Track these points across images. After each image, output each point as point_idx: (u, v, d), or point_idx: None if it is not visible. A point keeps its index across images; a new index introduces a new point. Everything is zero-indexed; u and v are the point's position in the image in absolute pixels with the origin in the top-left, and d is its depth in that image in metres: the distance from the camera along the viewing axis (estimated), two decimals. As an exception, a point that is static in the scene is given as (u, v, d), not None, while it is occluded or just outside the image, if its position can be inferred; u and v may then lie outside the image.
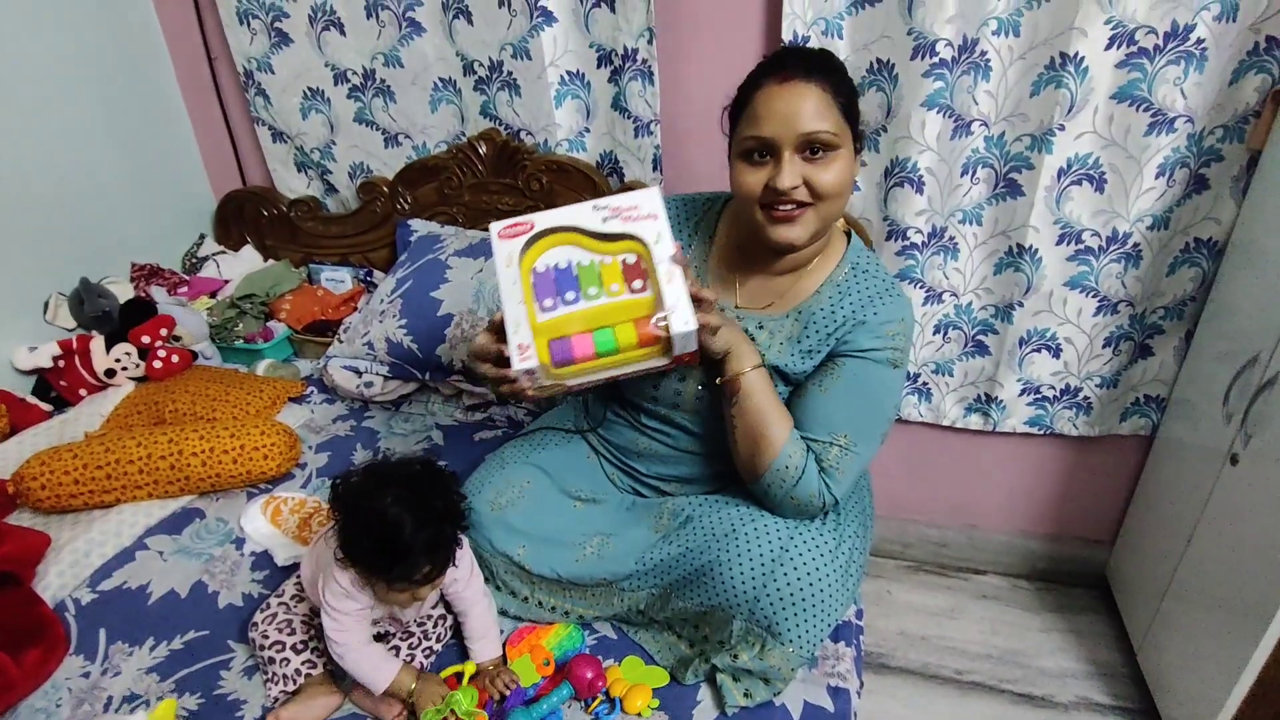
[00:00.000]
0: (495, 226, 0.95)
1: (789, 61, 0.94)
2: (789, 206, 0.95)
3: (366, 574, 0.93)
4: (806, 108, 0.91)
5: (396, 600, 0.95)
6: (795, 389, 1.06)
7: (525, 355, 0.89)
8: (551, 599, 1.10)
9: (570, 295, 0.92)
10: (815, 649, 0.98)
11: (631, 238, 0.94)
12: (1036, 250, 1.42)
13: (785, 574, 0.96)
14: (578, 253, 0.95)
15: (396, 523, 0.88)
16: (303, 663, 1.00)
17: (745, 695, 0.97)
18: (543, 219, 0.95)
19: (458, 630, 1.08)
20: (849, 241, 1.08)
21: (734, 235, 1.10)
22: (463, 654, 1.06)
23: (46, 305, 1.63)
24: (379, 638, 1.06)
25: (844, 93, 0.94)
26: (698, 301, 0.91)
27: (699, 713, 0.98)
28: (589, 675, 0.98)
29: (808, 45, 0.98)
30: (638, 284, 0.93)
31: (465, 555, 1.04)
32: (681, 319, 0.89)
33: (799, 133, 0.91)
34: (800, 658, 0.97)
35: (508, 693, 0.99)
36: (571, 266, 0.94)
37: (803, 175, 0.93)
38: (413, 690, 0.97)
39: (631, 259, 0.94)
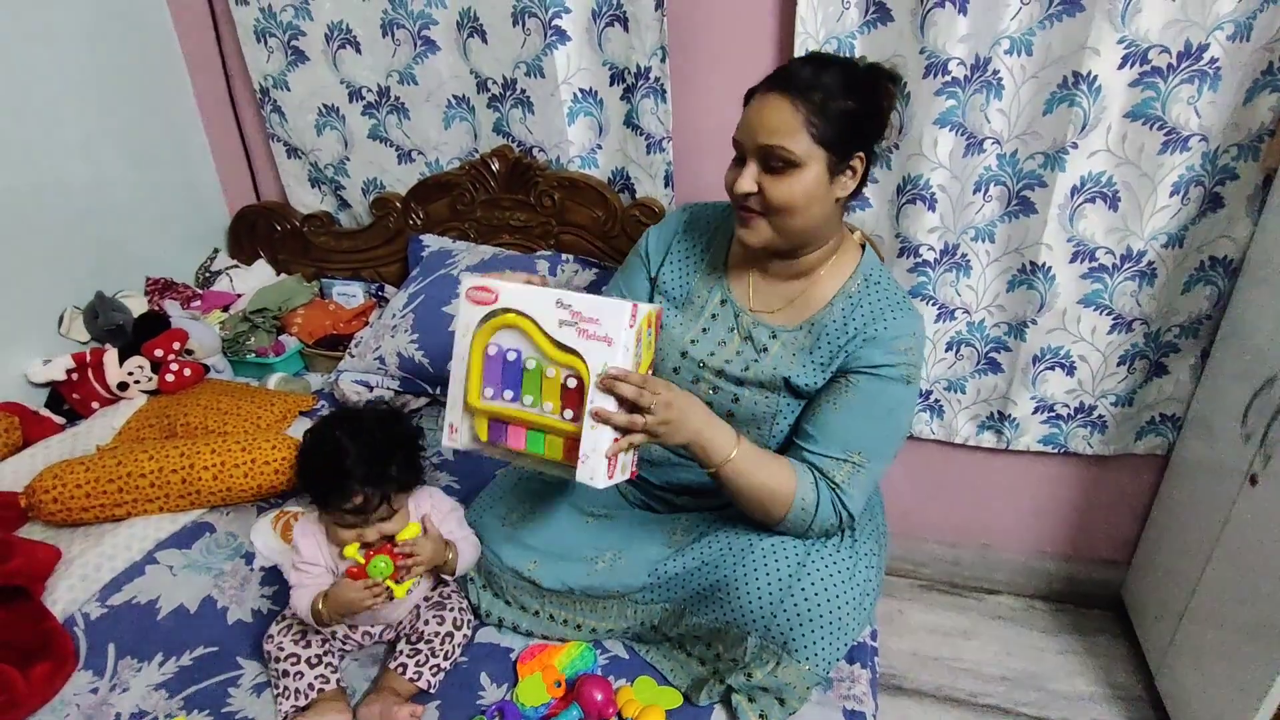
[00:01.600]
0: (467, 281, 0.94)
1: (788, 72, 0.96)
2: (746, 210, 0.99)
3: (313, 499, 1.02)
4: (770, 121, 0.93)
5: (344, 539, 1.00)
6: (807, 405, 1.05)
7: (453, 436, 0.96)
8: (563, 612, 1.09)
9: (509, 394, 0.93)
10: (831, 668, 0.97)
11: (579, 357, 0.89)
12: (1050, 268, 1.41)
13: (803, 590, 0.95)
14: (530, 348, 0.92)
15: (340, 448, 0.97)
16: (316, 677, 0.99)
17: (760, 717, 0.95)
18: (508, 294, 0.92)
19: (468, 649, 1.07)
20: (863, 254, 1.08)
21: None
22: (472, 684, 1.05)
23: (61, 318, 1.65)
24: (390, 646, 1.08)
25: (830, 115, 0.93)
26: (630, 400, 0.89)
27: (712, 735, 0.96)
28: (598, 697, 0.97)
29: (835, 55, 0.99)
30: (568, 414, 0.90)
31: (451, 515, 1.11)
32: (588, 472, 0.88)
33: (756, 143, 0.95)
34: (816, 675, 0.96)
35: (402, 557, 0.99)
36: (520, 360, 0.92)
37: (759, 184, 0.96)
38: (322, 607, 1.00)
39: (573, 384, 0.90)
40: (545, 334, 0.90)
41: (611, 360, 0.87)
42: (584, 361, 0.88)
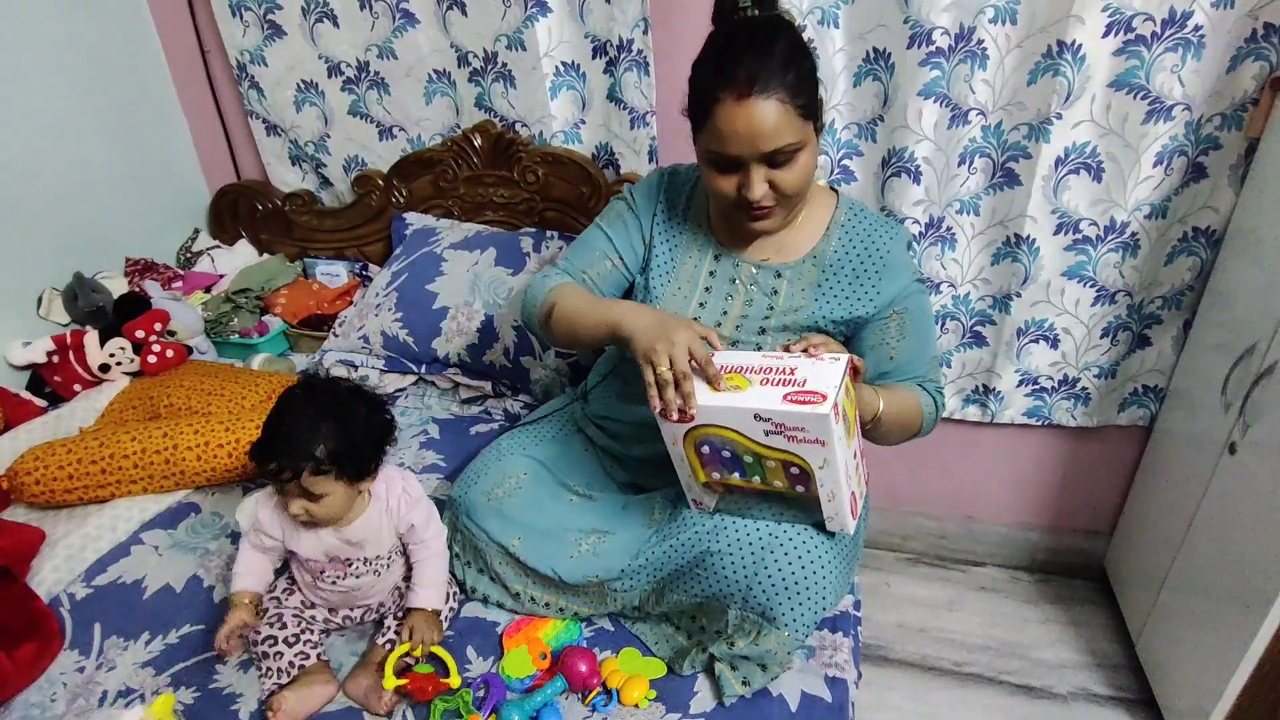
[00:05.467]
0: (656, 408, 0.92)
1: (743, 72, 0.91)
2: (760, 207, 1.00)
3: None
4: (767, 127, 0.92)
5: (284, 510, 0.99)
6: (869, 350, 1.09)
7: (702, 506, 1.02)
8: (545, 595, 1.10)
9: (736, 475, 0.96)
10: (810, 632, 0.98)
11: (795, 457, 0.90)
12: (1034, 240, 1.41)
13: (776, 560, 0.96)
14: (740, 447, 0.92)
15: (282, 410, 0.96)
16: (296, 654, 1.00)
17: (743, 684, 0.96)
18: (704, 414, 0.90)
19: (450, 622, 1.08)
20: (837, 193, 1.13)
21: None
22: (459, 656, 1.06)
23: (40, 300, 1.63)
24: (377, 622, 1.08)
25: (802, 91, 0.93)
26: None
27: (696, 704, 0.97)
28: (583, 668, 0.98)
29: (750, 18, 0.97)
30: (800, 489, 0.94)
31: (421, 504, 1.06)
32: (838, 525, 0.96)
33: (760, 152, 0.94)
34: (796, 641, 0.97)
35: (417, 653, 1.01)
36: (737, 456, 0.93)
37: (769, 179, 0.97)
38: (233, 616, 1.00)
39: (795, 470, 0.91)
40: (754, 442, 0.90)
41: (829, 456, 0.87)
42: (803, 459, 0.89)
